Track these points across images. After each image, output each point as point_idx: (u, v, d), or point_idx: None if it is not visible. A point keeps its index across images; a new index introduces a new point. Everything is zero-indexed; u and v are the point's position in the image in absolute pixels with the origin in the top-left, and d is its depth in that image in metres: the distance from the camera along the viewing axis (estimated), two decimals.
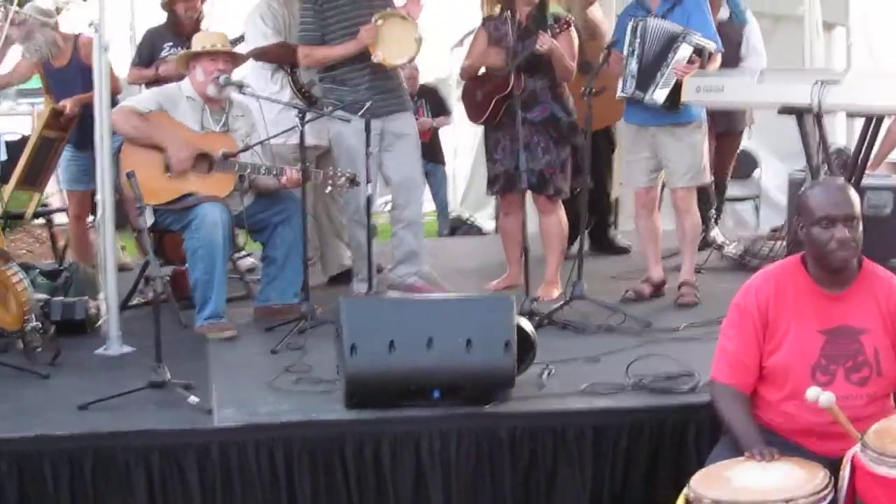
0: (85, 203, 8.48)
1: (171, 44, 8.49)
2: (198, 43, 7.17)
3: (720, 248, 8.90)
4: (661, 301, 7.61)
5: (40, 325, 6.34)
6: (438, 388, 5.33)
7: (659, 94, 7.16)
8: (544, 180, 7.52)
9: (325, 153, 7.94)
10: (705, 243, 8.75)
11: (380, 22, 7.24)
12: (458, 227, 12.07)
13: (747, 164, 11.44)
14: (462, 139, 13.20)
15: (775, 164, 11.60)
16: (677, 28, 7.12)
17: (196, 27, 8.52)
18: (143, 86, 8.55)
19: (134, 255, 9.33)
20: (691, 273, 7.61)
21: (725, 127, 8.68)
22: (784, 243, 8.44)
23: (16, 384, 5.97)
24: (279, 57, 7.82)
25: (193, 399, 5.47)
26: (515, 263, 7.97)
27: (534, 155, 7.49)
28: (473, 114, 7.82)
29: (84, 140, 8.04)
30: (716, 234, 9.09)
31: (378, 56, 7.25)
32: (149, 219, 7.02)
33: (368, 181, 6.98)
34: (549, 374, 5.81)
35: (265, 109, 7.30)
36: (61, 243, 9.43)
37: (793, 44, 10.25)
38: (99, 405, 5.52)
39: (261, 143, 7.04)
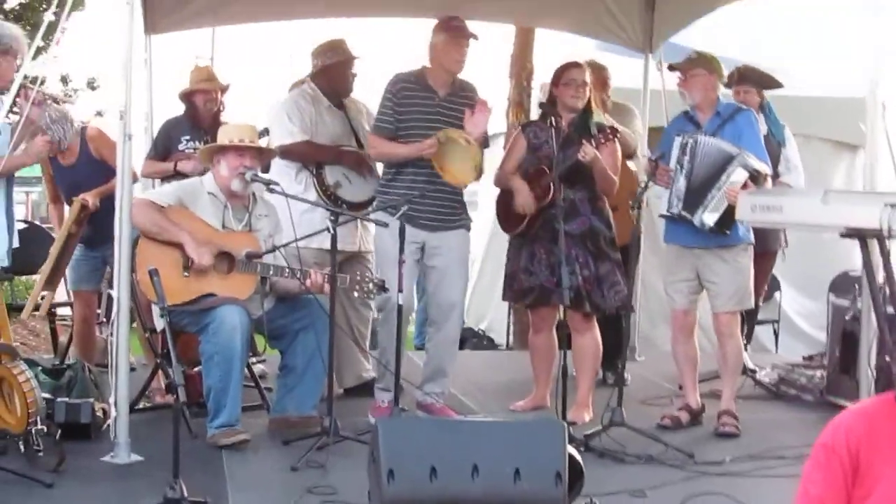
0: (92, 304, 8.09)
1: (188, 137, 8.13)
2: (224, 136, 6.80)
3: (752, 373, 8.48)
4: (700, 430, 7.22)
5: (45, 429, 5.87)
6: None
7: (709, 217, 6.81)
8: (580, 297, 7.12)
9: (349, 258, 7.55)
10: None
11: (443, 139, 6.91)
12: (467, 339, 11.58)
13: (768, 287, 11.08)
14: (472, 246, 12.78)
15: (793, 290, 11.29)
16: (732, 149, 6.78)
17: (216, 120, 8.17)
18: (157, 181, 8.19)
19: (138, 354, 8.89)
20: (732, 401, 7.22)
21: (761, 247, 8.28)
22: (823, 373, 8.05)
23: (16, 492, 5.53)
24: (304, 156, 7.46)
25: None
26: (544, 383, 7.60)
27: (571, 269, 7.10)
28: (508, 224, 7.44)
29: (95, 237, 7.66)
30: (745, 359, 8.65)
31: (437, 167, 6.94)
32: (161, 322, 6.62)
33: (400, 290, 6.57)
34: None
35: (289, 208, 6.92)
36: (62, 339, 8.96)
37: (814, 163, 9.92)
38: None
39: (289, 244, 6.64)
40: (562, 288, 6.53)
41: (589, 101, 7.19)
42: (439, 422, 5.60)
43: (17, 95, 6.27)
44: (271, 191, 6.68)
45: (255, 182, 6.70)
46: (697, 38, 9.27)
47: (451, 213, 7.18)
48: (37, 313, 7.98)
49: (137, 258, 6.43)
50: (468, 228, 7.34)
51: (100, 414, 6.60)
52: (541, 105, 7.24)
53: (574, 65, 7.22)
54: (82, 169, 7.02)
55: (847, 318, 7.71)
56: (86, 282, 7.98)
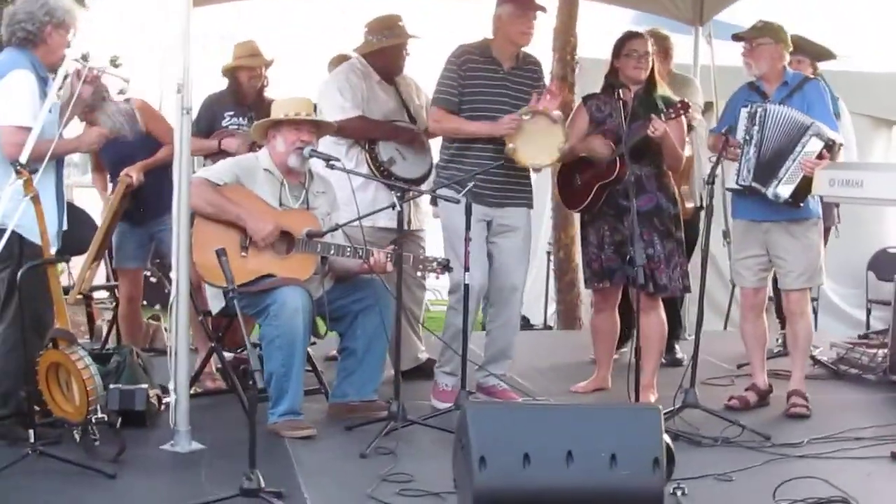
0: (138, 283, 7.82)
1: (231, 113, 7.89)
2: (279, 109, 6.55)
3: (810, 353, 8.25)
4: (769, 411, 7.01)
5: (106, 418, 5.64)
6: None
7: (783, 189, 6.58)
8: (645, 276, 6.87)
9: (404, 237, 7.29)
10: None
11: (527, 117, 6.65)
12: None
13: None
14: None
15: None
16: (806, 119, 6.55)
17: (260, 96, 7.93)
18: (200, 158, 7.96)
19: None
20: (802, 382, 7.01)
21: None
22: (885, 352, 7.83)
23: (80, 484, 5.33)
24: (357, 132, 7.20)
25: None
26: (605, 365, 7.42)
27: (636, 248, 6.87)
28: (571, 201, 7.21)
29: (141, 213, 7.41)
30: None
31: (511, 148, 6.66)
32: (217, 304, 6.41)
33: (466, 269, 6.34)
34: (682, 493, 5.16)
35: (339, 187, 6.70)
36: (98, 322, 8.71)
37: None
38: None
39: (351, 222, 6.40)
40: (632, 266, 6.28)
41: (653, 74, 6.96)
42: (531, 407, 5.37)
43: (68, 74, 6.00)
44: (331, 167, 6.44)
45: (314, 158, 6.45)
46: (746, 13, 9.00)
47: (517, 188, 6.94)
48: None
49: (192, 238, 6.18)
50: (531, 207, 7.09)
51: (153, 401, 6.37)
52: (606, 76, 6.96)
53: (635, 35, 6.99)
54: (128, 141, 6.76)
55: None
56: (131, 259, 7.70)
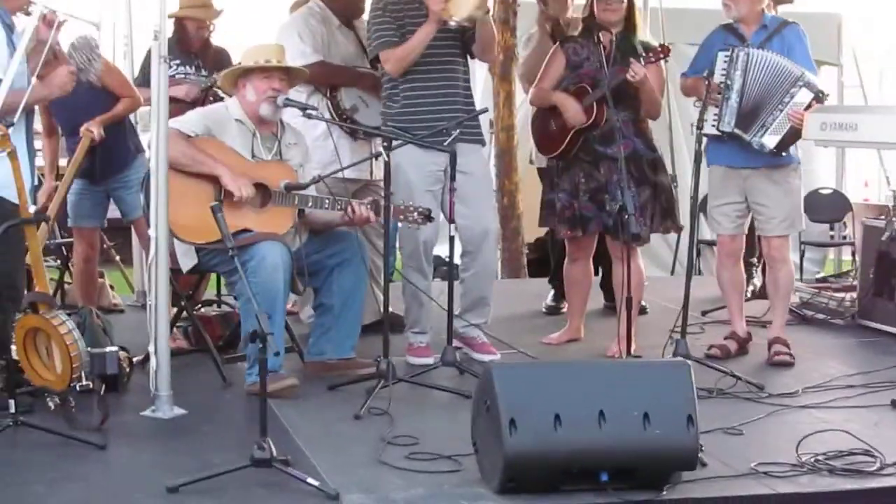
0: (94, 241, 7.47)
1: (178, 62, 7.59)
2: (248, 57, 6.23)
3: None
4: (750, 359, 6.90)
5: (91, 385, 5.33)
6: (610, 469, 4.49)
7: (769, 140, 6.45)
8: (619, 224, 6.72)
9: (362, 188, 7.05)
10: (752, 294, 8.09)
11: None
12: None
13: None
14: None
15: None
16: (795, 68, 6.42)
17: (206, 45, 7.68)
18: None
19: (127, 293, 8.34)
20: (783, 329, 6.92)
21: None
22: (853, 295, 7.78)
23: (68, 456, 5.02)
24: (318, 78, 6.86)
25: (312, 482, 4.54)
26: (578, 315, 7.27)
27: (612, 196, 6.70)
28: (546, 146, 6.99)
29: (98, 170, 7.07)
30: (758, 281, 8.39)
31: (453, 19, 6.33)
32: (188, 262, 6.10)
33: (452, 221, 6.11)
34: (701, 449, 4.98)
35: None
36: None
37: None
38: (192, 487, 4.59)
39: (335, 173, 6.16)
40: (624, 214, 6.12)
41: (632, 17, 6.75)
42: (558, 366, 5.16)
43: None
44: (308, 115, 6.15)
45: (289, 107, 6.15)
46: None
47: (472, 127, 6.67)
48: None
49: None
50: (484, 144, 6.92)
51: (124, 363, 6.06)
52: (584, 20, 6.75)
53: None
54: (82, 97, 6.40)
55: (883, 238, 7.42)
56: (88, 218, 7.38)
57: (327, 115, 6.89)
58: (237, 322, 6.80)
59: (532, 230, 9.41)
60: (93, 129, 6.80)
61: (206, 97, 7.40)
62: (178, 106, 7.15)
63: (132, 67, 8.27)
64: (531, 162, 8.24)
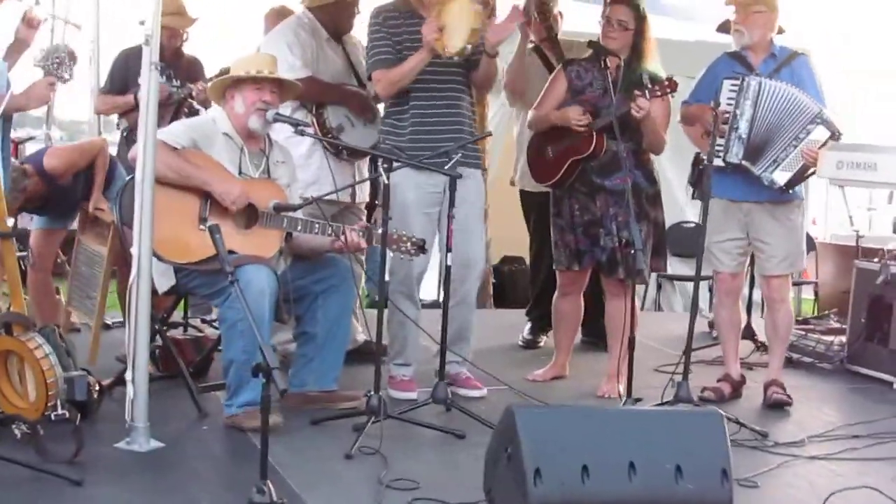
0: (53, 241, 6.99)
1: None
2: (238, 67, 5.87)
3: (754, 339, 7.96)
4: (746, 402, 6.65)
5: (67, 414, 4.92)
6: None
7: (780, 176, 6.21)
8: (615, 261, 6.45)
9: (341, 210, 6.69)
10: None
11: (435, 12, 6.06)
12: None
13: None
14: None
15: None
16: (812, 104, 6.17)
17: (178, 52, 7.30)
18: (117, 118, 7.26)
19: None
20: (780, 372, 6.67)
21: None
22: (842, 339, 7.55)
23: (44, 494, 4.57)
24: (307, 94, 6.43)
25: None
26: (565, 351, 7.00)
27: (607, 230, 6.43)
28: (541, 173, 6.68)
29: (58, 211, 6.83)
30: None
31: (445, 49, 6.02)
32: (165, 282, 5.71)
33: (449, 249, 5.80)
34: None
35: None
36: None
37: None
38: None
39: (328, 194, 5.83)
40: (630, 249, 5.84)
41: (641, 46, 6.47)
42: (586, 412, 4.80)
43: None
44: (301, 132, 5.80)
45: (279, 122, 5.79)
46: None
47: (468, 148, 6.33)
48: None
49: None
50: (484, 169, 6.59)
51: (94, 389, 5.64)
52: (590, 43, 6.45)
53: (616, 0, 6.48)
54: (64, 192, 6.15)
55: (878, 282, 7.19)
56: (57, 218, 6.94)
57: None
58: (210, 348, 6.44)
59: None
60: (102, 207, 6.38)
61: (180, 108, 7.02)
62: None
63: (98, 73, 7.86)
64: (512, 183, 7.92)
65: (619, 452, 4.22)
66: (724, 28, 7.97)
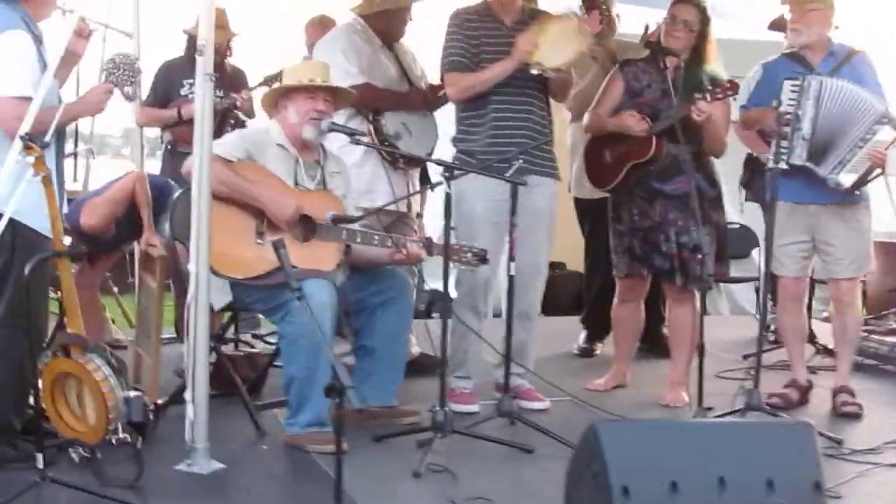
0: (100, 267, 6.86)
1: (191, 81, 7.04)
2: (291, 76, 5.73)
3: (814, 342, 7.78)
4: (814, 409, 6.48)
5: (128, 438, 4.77)
6: None
7: (846, 178, 6.05)
8: (674, 267, 6.29)
9: (394, 220, 6.53)
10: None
11: (536, 27, 5.96)
12: (434, 304, 10.39)
13: (745, 242, 10.33)
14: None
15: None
16: (877, 102, 6.01)
17: (222, 64, 7.14)
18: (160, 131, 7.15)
19: (123, 328, 7.74)
20: (848, 377, 6.49)
21: None
22: None
23: None
24: (363, 101, 6.30)
25: None
26: (625, 359, 6.84)
27: (666, 236, 6.27)
28: (599, 178, 6.53)
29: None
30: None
31: (537, 64, 5.92)
32: (221, 298, 5.56)
33: (512, 259, 5.63)
34: None
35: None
36: None
37: None
38: None
39: (387, 205, 5.71)
40: (697, 254, 5.70)
41: (703, 46, 6.30)
42: (672, 426, 4.66)
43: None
44: (357, 142, 5.67)
45: (334, 132, 5.65)
46: None
47: (541, 154, 6.20)
48: None
49: None
50: (558, 179, 6.39)
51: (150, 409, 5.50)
52: (647, 44, 6.29)
53: (682, 0, 6.32)
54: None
55: None
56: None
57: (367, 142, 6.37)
58: (265, 365, 6.30)
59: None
60: (155, 243, 6.18)
61: (225, 119, 6.88)
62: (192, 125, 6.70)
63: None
64: (569, 190, 7.76)
65: (707, 467, 4.04)
66: (776, 26, 7.82)
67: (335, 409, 4.07)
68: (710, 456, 4.09)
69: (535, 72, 5.93)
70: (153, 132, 7.68)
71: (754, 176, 7.77)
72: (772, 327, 8.21)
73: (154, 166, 7.76)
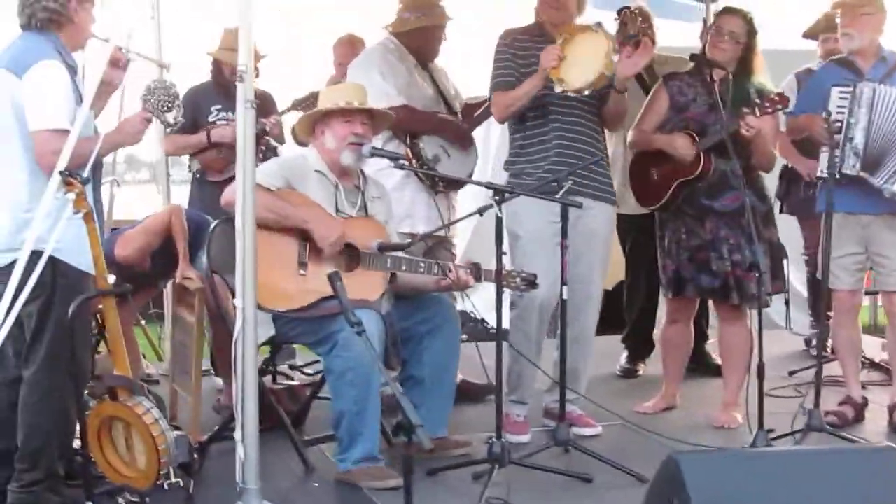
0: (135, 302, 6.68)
1: (219, 106, 7.00)
2: (327, 99, 5.57)
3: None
4: (870, 426, 6.29)
5: (181, 483, 4.60)
6: None
7: None
8: (728, 286, 6.12)
9: (436, 244, 6.36)
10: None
11: (561, 40, 5.76)
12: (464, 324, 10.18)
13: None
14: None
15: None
16: None
17: None
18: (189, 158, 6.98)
19: (153, 361, 7.57)
20: None
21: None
22: None
23: None
24: (401, 123, 6.11)
25: None
26: (675, 381, 6.64)
27: (719, 254, 6.09)
28: (646, 196, 6.34)
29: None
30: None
31: (559, 81, 5.73)
32: (265, 331, 5.37)
33: (564, 283, 5.45)
34: None
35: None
36: None
37: None
38: None
39: (435, 231, 5.56)
40: (755, 273, 5.51)
41: (750, 58, 6.12)
42: (754, 455, 4.46)
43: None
44: (400, 167, 5.51)
45: (377, 157, 5.49)
46: None
47: (597, 178, 6.04)
48: None
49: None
50: (614, 203, 6.21)
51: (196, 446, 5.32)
52: (692, 56, 6.11)
53: (728, 10, 6.19)
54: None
55: None
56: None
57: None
58: (308, 397, 6.12)
59: None
60: (191, 276, 6.01)
61: (256, 145, 6.72)
62: (222, 152, 6.61)
63: None
64: None
65: (793, 497, 3.89)
66: (811, 34, 7.67)
67: (405, 448, 3.88)
68: (795, 486, 3.94)
69: (558, 90, 5.74)
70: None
71: (791, 188, 7.63)
72: (813, 342, 8.07)
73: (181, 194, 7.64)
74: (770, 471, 3.98)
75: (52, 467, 4.73)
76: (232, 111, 6.79)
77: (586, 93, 5.77)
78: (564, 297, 5.46)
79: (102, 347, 6.42)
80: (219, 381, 6.61)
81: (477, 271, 5.47)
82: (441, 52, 6.65)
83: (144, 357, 7.43)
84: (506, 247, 5.37)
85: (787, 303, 8.82)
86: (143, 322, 7.84)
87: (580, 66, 5.71)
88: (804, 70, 7.58)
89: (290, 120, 7.28)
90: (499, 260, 5.19)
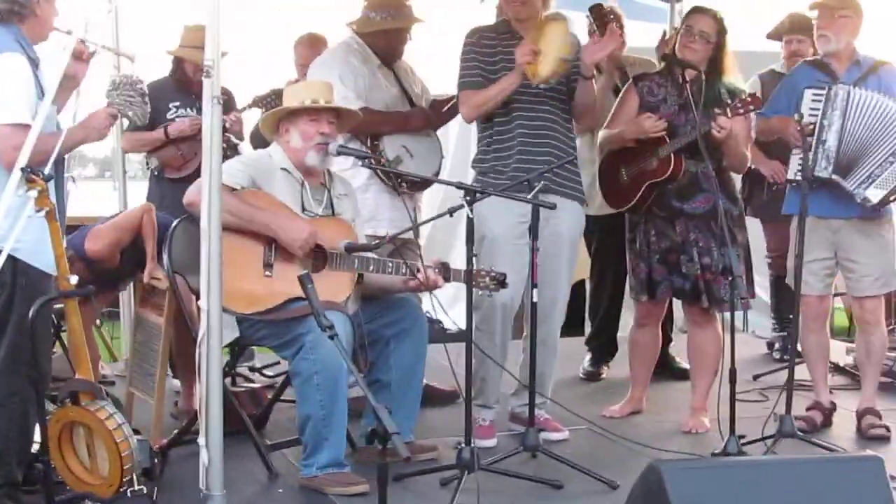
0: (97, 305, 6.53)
1: (177, 103, 6.89)
2: (292, 97, 5.44)
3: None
4: (838, 431, 6.23)
5: (144, 490, 4.46)
6: None
7: (874, 193, 5.82)
8: (698, 289, 6.04)
9: (400, 245, 6.22)
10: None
11: (534, 33, 5.68)
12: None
13: None
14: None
15: None
16: None
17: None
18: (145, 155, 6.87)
19: (107, 361, 7.41)
20: (875, 399, 6.26)
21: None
22: None
23: None
24: (362, 126, 5.97)
25: None
26: (641, 385, 6.56)
27: (689, 256, 6.02)
28: (615, 197, 6.25)
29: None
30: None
31: (538, 76, 5.63)
32: (229, 334, 5.23)
33: (535, 285, 5.35)
34: None
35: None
36: None
37: None
38: None
39: (404, 231, 5.48)
40: (728, 276, 5.44)
41: (720, 58, 6.03)
42: (736, 464, 4.36)
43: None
44: (369, 166, 5.40)
45: (343, 155, 5.37)
46: None
47: (567, 176, 5.94)
48: None
49: None
50: (584, 202, 6.10)
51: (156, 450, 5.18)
52: (663, 56, 6.03)
53: (698, 10, 6.10)
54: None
55: None
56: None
57: (366, 169, 6.07)
58: (269, 401, 5.99)
59: None
60: (159, 276, 5.82)
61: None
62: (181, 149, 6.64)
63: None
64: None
65: None
66: (775, 35, 7.63)
67: (380, 457, 3.76)
68: (778, 495, 3.91)
69: (541, 85, 5.65)
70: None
71: (754, 190, 7.57)
72: (776, 346, 8.04)
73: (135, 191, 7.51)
74: (753, 481, 3.91)
75: (10, 473, 4.59)
76: (190, 108, 6.78)
77: (552, 82, 5.67)
78: (535, 299, 5.34)
79: (57, 348, 6.30)
80: (176, 383, 6.46)
81: (446, 271, 5.36)
82: (406, 50, 6.53)
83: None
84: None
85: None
86: (97, 322, 7.66)
87: (551, 56, 5.62)
88: (768, 71, 7.56)
89: (251, 117, 7.18)
90: (469, 261, 5.09)
